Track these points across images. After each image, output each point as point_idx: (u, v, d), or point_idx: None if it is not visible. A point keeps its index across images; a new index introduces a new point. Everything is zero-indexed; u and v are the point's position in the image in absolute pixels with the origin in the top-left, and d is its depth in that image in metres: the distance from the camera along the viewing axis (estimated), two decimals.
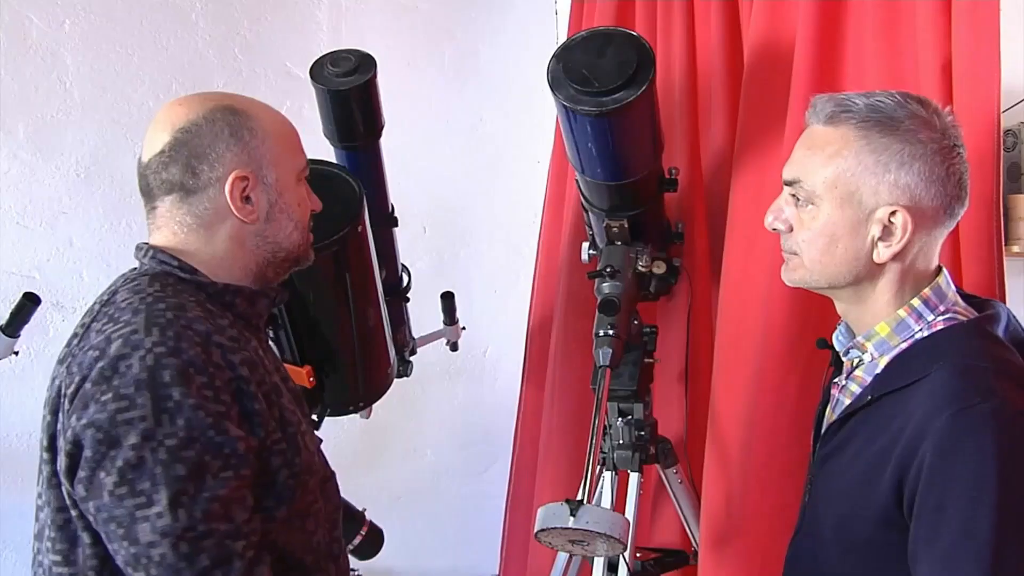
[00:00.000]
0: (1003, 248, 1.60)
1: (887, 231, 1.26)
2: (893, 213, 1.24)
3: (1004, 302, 1.54)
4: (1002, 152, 1.72)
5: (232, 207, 1.34)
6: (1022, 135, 2.06)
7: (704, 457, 2.09)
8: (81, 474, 1.19)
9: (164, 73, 2.65)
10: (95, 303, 1.34)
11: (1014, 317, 1.34)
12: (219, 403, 1.21)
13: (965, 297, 1.35)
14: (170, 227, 1.35)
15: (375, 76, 1.98)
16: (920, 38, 1.69)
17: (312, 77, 1.97)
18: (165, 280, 1.32)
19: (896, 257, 1.27)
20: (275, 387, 1.33)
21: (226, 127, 1.33)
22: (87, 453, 1.18)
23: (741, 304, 2.01)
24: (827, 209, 1.28)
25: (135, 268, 1.38)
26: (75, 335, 1.31)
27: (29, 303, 2.05)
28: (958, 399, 1.16)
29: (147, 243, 1.37)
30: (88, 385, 1.19)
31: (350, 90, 1.95)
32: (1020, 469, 1.12)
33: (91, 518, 1.21)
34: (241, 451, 1.21)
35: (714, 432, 2.05)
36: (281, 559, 1.31)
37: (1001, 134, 1.60)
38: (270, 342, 1.50)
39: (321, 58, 1.99)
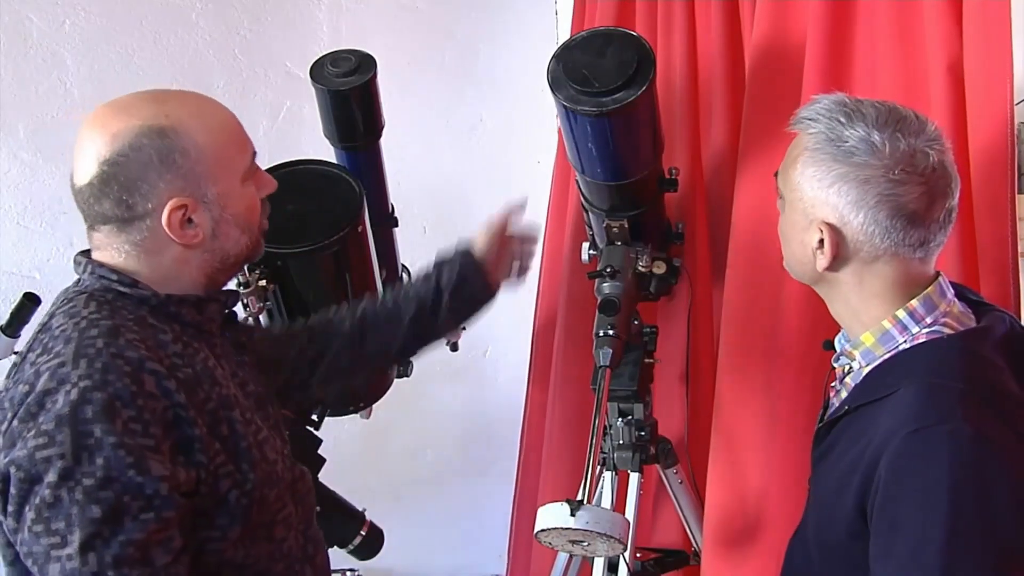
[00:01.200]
0: (1018, 250, 1.57)
1: (822, 243, 1.28)
2: (821, 228, 1.27)
3: (1020, 305, 1.53)
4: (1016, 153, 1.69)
5: (172, 236, 1.27)
6: (1023, 135, 2.06)
7: (708, 457, 2.08)
8: (10, 509, 1.17)
9: (164, 73, 2.64)
10: (37, 326, 1.29)
11: (1019, 324, 1.32)
12: (147, 437, 1.16)
13: (973, 303, 1.33)
14: (109, 252, 1.30)
15: (375, 76, 1.97)
16: (929, 39, 1.68)
17: (312, 77, 1.97)
18: (103, 297, 1.26)
19: (836, 269, 1.28)
20: (224, 401, 1.28)
21: (154, 154, 1.24)
22: (12, 491, 1.15)
23: (748, 304, 1.99)
24: (787, 208, 1.33)
25: (78, 280, 1.32)
26: (14, 365, 1.27)
27: (29, 303, 2.04)
28: (917, 419, 1.15)
29: (87, 257, 1.32)
30: (16, 423, 1.17)
31: (350, 90, 1.95)
32: (971, 493, 1.11)
33: (19, 551, 1.19)
34: (164, 492, 1.16)
35: (720, 432, 2.04)
36: (244, 569, 1.28)
37: (1015, 136, 1.57)
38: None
39: (321, 58, 1.99)
